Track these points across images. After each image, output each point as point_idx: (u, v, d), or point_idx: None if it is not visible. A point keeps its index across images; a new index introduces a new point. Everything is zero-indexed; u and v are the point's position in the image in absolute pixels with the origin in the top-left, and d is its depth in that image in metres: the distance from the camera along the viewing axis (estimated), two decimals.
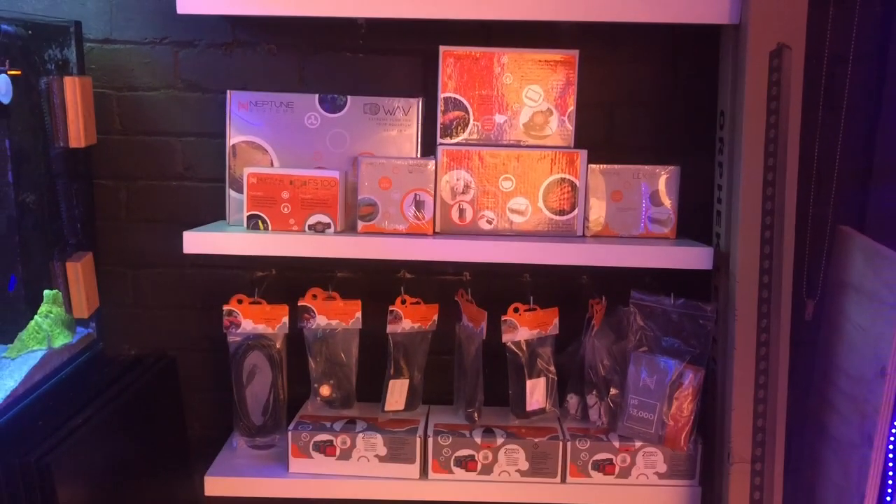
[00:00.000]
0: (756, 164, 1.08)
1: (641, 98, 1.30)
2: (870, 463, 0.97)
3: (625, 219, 1.23)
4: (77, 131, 1.15)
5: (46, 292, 1.21)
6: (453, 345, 1.31)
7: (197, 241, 1.16)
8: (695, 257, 1.15)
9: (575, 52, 1.21)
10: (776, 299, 1.09)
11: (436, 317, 1.28)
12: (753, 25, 1.05)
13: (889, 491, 1.22)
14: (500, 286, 1.31)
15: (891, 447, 1.22)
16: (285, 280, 1.31)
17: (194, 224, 1.23)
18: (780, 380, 1.11)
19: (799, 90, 1.06)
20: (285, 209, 1.17)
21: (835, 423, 1.11)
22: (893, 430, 1.21)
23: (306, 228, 1.18)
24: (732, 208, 1.13)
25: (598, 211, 1.23)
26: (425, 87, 1.28)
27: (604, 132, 1.31)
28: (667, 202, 1.22)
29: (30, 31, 1.15)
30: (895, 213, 1.19)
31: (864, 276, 1.05)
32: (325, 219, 1.17)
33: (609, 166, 1.22)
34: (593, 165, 1.21)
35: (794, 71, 1.05)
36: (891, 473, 1.21)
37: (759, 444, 1.12)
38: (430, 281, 1.35)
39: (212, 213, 1.30)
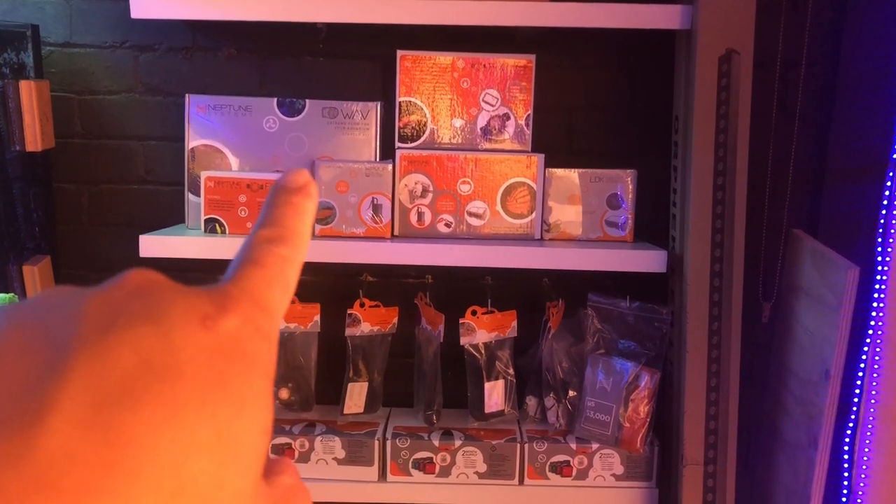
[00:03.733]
0: (706, 169, 1.09)
1: (600, 102, 1.31)
2: (815, 464, 0.98)
3: (582, 222, 1.24)
4: (33, 135, 1.15)
5: (1, 295, 1.21)
6: (414, 347, 1.31)
7: (154, 245, 1.16)
8: (649, 260, 1.16)
9: (532, 57, 1.22)
10: (727, 302, 1.10)
11: (395, 320, 1.29)
12: (702, 31, 1.06)
13: (845, 492, 1.23)
14: (462, 288, 1.32)
15: (846, 448, 1.24)
16: None
17: (156, 227, 1.23)
18: (732, 382, 1.12)
19: (748, 95, 1.07)
20: (242, 213, 1.18)
21: (786, 424, 1.12)
22: (848, 432, 1.22)
23: None
24: (686, 212, 1.14)
25: (555, 214, 1.23)
26: (385, 91, 1.29)
27: (562, 136, 1.32)
28: (624, 205, 1.23)
29: None
30: (847, 216, 1.20)
31: (812, 279, 1.06)
32: None
33: (566, 170, 1.23)
34: (551, 169, 1.22)
35: (742, 76, 1.06)
36: (846, 475, 1.22)
37: (712, 446, 1.12)
38: (393, 283, 1.35)
39: (173, 215, 1.30)
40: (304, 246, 0.26)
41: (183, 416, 0.19)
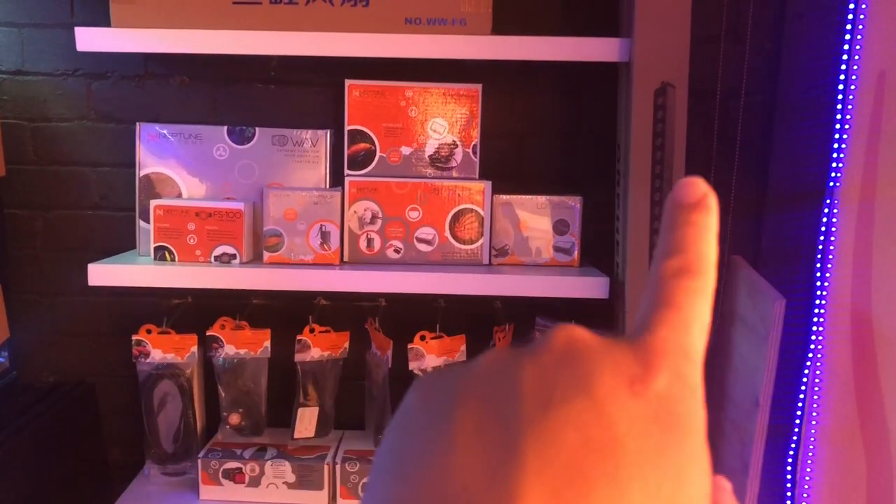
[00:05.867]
0: (643, 198, 1.11)
1: (548, 129, 1.33)
2: (746, 490, 1.00)
3: (530, 247, 1.25)
4: None
5: None
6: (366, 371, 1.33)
7: (103, 273, 1.17)
8: (592, 287, 1.18)
9: (478, 87, 1.24)
10: None
11: (346, 344, 1.30)
12: (638, 65, 1.08)
13: None
14: (416, 311, 1.34)
15: (788, 469, 1.26)
16: (201, 307, 1.32)
17: (110, 252, 1.24)
18: None
19: (683, 127, 1.09)
20: (191, 240, 1.19)
21: (724, 448, 1.14)
22: (790, 454, 1.24)
23: (212, 259, 1.19)
24: (627, 238, 1.16)
25: (503, 240, 1.25)
26: (336, 119, 1.31)
27: (511, 162, 1.34)
28: (571, 231, 1.25)
29: None
30: (788, 242, 1.23)
31: (747, 307, 1.08)
32: (230, 250, 1.19)
33: (514, 196, 1.25)
34: (498, 195, 1.24)
35: (678, 108, 1.08)
36: (789, 493, 1.25)
37: None
38: (346, 307, 1.37)
39: (126, 241, 1.31)
40: (713, 272, 0.24)
41: (630, 495, 0.19)
